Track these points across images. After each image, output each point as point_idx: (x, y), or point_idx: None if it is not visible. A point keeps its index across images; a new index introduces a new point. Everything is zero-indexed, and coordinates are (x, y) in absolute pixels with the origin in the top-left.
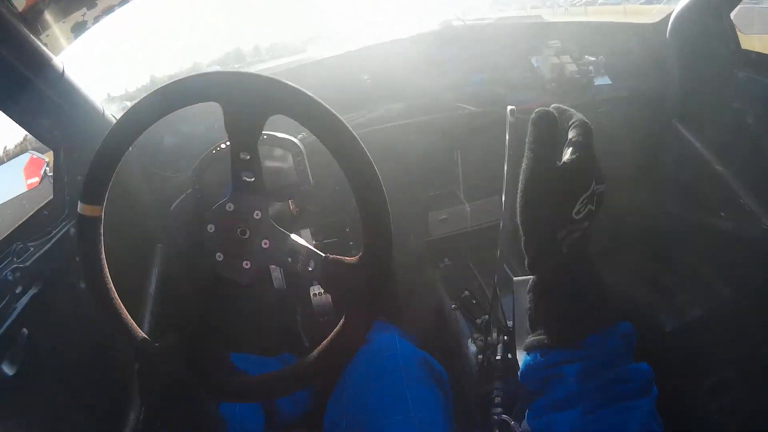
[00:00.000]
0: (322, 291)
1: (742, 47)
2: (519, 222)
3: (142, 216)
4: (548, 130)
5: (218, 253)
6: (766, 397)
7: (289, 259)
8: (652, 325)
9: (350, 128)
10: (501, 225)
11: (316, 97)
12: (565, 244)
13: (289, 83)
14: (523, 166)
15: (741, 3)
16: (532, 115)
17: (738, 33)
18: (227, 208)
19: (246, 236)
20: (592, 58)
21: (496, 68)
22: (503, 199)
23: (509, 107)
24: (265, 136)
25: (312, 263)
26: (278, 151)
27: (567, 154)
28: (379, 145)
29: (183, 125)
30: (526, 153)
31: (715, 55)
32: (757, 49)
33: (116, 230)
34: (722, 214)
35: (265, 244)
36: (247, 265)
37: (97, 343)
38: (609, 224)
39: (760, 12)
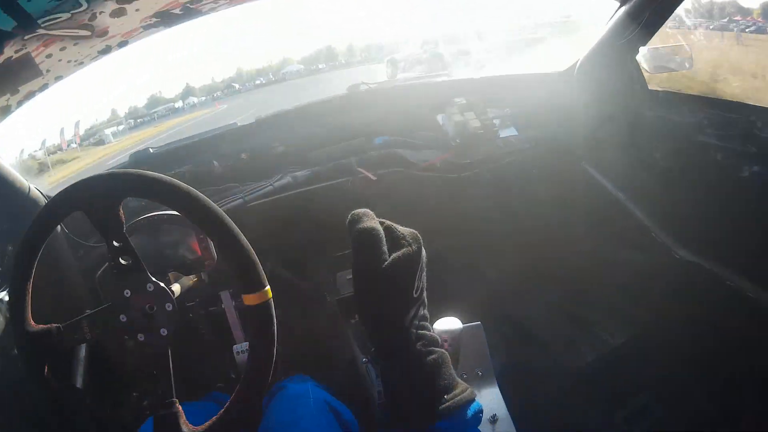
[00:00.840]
0: None
1: (649, 87)
2: (360, 320)
3: (70, 284)
4: (370, 240)
5: (139, 335)
6: (683, 419)
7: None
8: (572, 359)
9: (205, 198)
10: None
11: (162, 177)
12: (414, 327)
13: (138, 171)
14: (353, 271)
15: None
16: (354, 232)
17: (644, 73)
18: (125, 294)
19: (154, 310)
20: (498, 111)
21: (402, 129)
22: None
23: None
24: (166, 217)
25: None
26: (184, 229)
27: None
28: (288, 211)
29: None
30: (354, 262)
31: (622, 96)
32: (663, 86)
33: (46, 297)
34: (635, 247)
35: (169, 307)
36: (164, 332)
37: None
38: (527, 264)
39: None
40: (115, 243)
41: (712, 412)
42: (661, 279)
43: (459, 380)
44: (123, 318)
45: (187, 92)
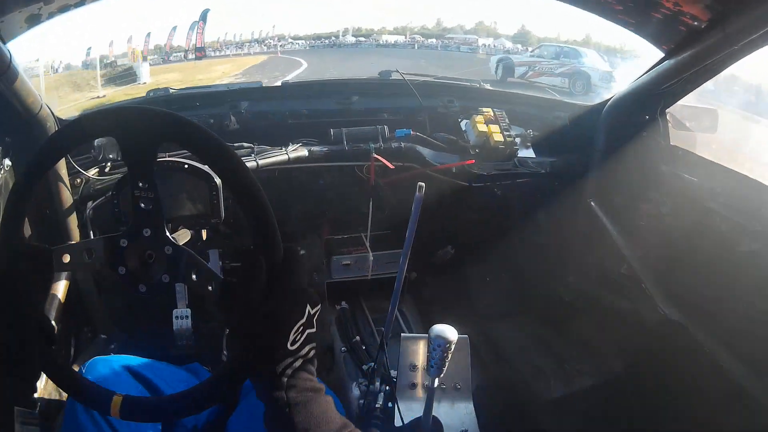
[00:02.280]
0: None
1: (672, 143)
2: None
3: (61, 212)
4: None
5: (140, 285)
6: None
7: (193, 277)
8: (540, 389)
9: (238, 156)
10: (396, 282)
11: (200, 125)
12: (285, 377)
13: (176, 114)
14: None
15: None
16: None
17: (670, 128)
18: (121, 243)
19: (152, 259)
20: (521, 130)
21: (423, 126)
22: (401, 259)
23: (419, 183)
24: (186, 166)
25: (213, 285)
26: (197, 182)
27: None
28: (297, 183)
29: None
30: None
31: (642, 145)
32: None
33: (36, 223)
34: (623, 293)
35: (168, 250)
36: (165, 279)
37: None
38: (513, 287)
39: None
40: (140, 184)
41: None
42: (642, 331)
43: (346, 422)
44: (122, 270)
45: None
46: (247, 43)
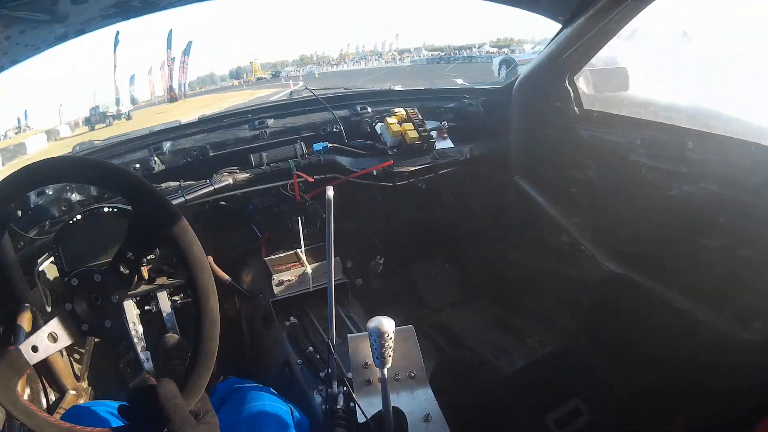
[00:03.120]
0: None
1: (585, 107)
2: None
3: (7, 275)
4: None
5: (83, 324)
6: (611, 423)
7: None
8: (502, 365)
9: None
10: (327, 287)
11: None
12: None
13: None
14: None
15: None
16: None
17: (582, 93)
18: (72, 282)
19: (99, 302)
20: (435, 123)
21: (340, 136)
22: (327, 264)
23: (327, 186)
24: (115, 209)
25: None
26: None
27: None
28: (227, 212)
29: (48, 187)
30: None
31: (557, 114)
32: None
33: None
34: (566, 259)
35: (115, 299)
36: (108, 324)
37: None
38: (459, 274)
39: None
40: (128, 255)
41: (641, 414)
42: (590, 290)
43: None
44: (68, 306)
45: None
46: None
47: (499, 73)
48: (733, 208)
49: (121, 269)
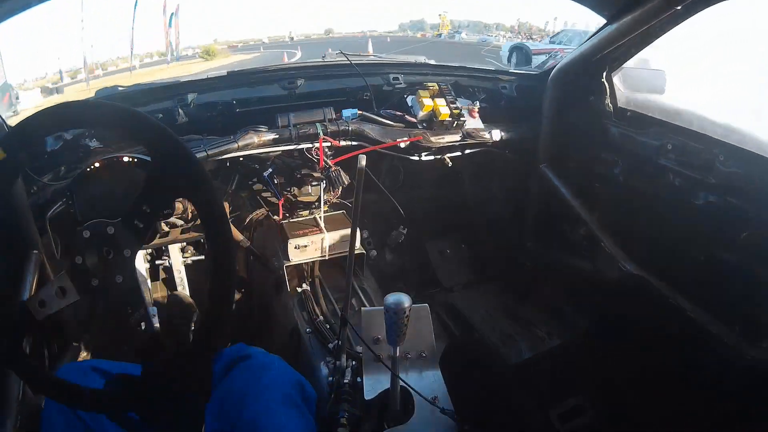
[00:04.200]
0: None
1: (619, 105)
2: None
3: (18, 220)
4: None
5: (93, 279)
6: (613, 423)
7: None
8: (509, 354)
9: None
10: (348, 256)
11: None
12: None
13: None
14: None
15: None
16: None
17: (618, 91)
18: (83, 234)
19: (111, 256)
20: (467, 102)
21: (370, 104)
22: (350, 232)
23: (360, 154)
24: (136, 159)
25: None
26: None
27: None
28: (248, 170)
29: (66, 132)
30: None
31: (591, 108)
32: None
33: None
34: (583, 254)
35: (127, 253)
36: (119, 279)
37: None
38: (473, 259)
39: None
40: (144, 207)
41: (644, 416)
42: (604, 288)
43: None
44: (78, 260)
45: None
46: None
47: (509, 60)
48: (756, 226)
49: (136, 222)
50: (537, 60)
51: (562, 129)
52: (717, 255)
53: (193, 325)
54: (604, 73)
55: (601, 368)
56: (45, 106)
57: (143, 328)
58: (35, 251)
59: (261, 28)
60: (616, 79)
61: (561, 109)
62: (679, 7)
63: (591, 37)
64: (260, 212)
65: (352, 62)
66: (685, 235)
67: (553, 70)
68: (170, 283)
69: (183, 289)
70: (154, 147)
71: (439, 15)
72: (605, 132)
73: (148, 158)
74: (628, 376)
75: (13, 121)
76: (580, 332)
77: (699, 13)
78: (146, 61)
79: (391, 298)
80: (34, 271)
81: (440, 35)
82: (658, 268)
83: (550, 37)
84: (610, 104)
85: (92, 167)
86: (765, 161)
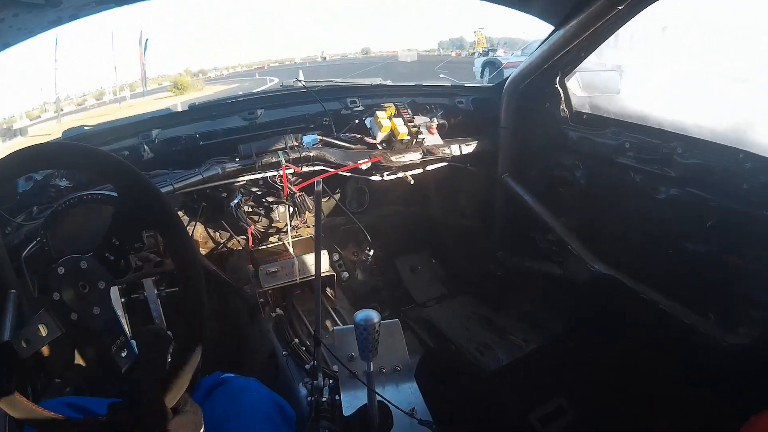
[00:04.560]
0: None
1: (575, 109)
2: None
3: None
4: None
5: (72, 314)
6: (594, 422)
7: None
8: (487, 362)
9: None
10: (315, 280)
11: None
12: None
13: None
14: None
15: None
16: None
17: (571, 95)
18: (59, 271)
19: (86, 290)
20: (425, 119)
21: (330, 129)
22: (315, 255)
23: (316, 179)
24: (99, 196)
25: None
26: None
27: None
28: (215, 202)
29: (37, 173)
30: None
31: (547, 115)
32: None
33: None
34: (552, 259)
35: (102, 285)
36: (96, 311)
37: None
38: (444, 273)
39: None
40: (113, 240)
41: (624, 414)
42: (575, 290)
43: None
44: (56, 296)
45: None
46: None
47: (482, 76)
48: (720, 214)
49: (107, 255)
50: (508, 72)
51: (520, 138)
52: (684, 247)
53: (169, 357)
54: (557, 79)
55: (579, 368)
56: (4, 149)
57: (124, 355)
58: (12, 291)
59: (282, 49)
60: (570, 84)
61: (518, 118)
62: (621, 7)
63: (540, 45)
64: (231, 242)
65: (309, 89)
66: (651, 230)
67: (507, 82)
68: (147, 316)
69: (159, 321)
70: (118, 183)
71: (475, 32)
72: (563, 137)
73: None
74: (606, 373)
75: None
76: (556, 335)
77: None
78: (120, 95)
79: (360, 314)
80: (12, 311)
81: (474, 53)
82: (628, 265)
83: (522, 49)
84: (565, 109)
85: (63, 205)
86: (721, 149)
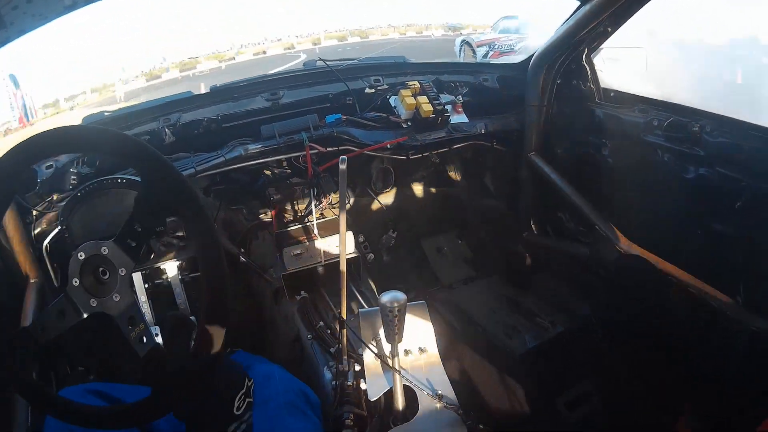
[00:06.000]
0: None
1: (602, 86)
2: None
3: (14, 251)
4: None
5: (91, 299)
6: (620, 407)
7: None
8: (513, 345)
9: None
10: (340, 262)
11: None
12: None
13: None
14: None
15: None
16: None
17: (598, 72)
18: (79, 257)
19: (107, 276)
20: (450, 98)
21: (353, 108)
22: (339, 236)
23: (341, 157)
24: (124, 180)
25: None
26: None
27: None
28: (239, 184)
29: (56, 160)
30: None
31: (574, 92)
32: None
33: None
34: (579, 239)
35: (123, 272)
36: (116, 297)
37: None
38: (471, 253)
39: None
40: (136, 227)
41: (651, 398)
42: (604, 271)
43: None
44: (75, 282)
45: None
46: None
47: (459, 55)
48: (749, 194)
49: (129, 241)
50: (480, 51)
51: (547, 116)
52: (713, 227)
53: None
54: (584, 56)
55: (606, 352)
56: None
57: (144, 342)
58: (34, 279)
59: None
60: (597, 60)
61: (544, 95)
62: None
63: (566, 21)
64: (255, 225)
65: (332, 68)
66: (680, 211)
67: (533, 58)
68: (171, 302)
69: (183, 306)
70: (140, 167)
71: None
72: (591, 114)
73: (137, 179)
74: (632, 357)
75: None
76: (583, 318)
77: None
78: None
79: (386, 296)
80: (35, 300)
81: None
82: (655, 246)
83: (492, 26)
84: (592, 86)
85: (83, 192)
86: (750, 127)
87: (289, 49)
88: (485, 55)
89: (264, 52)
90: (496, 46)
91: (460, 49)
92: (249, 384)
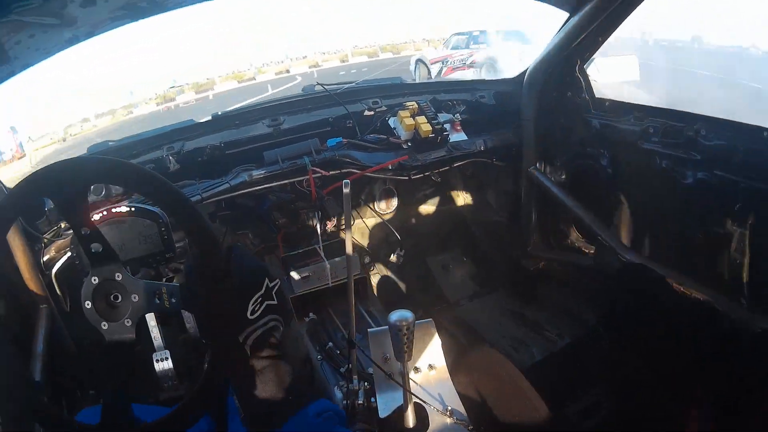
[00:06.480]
0: None
1: (596, 96)
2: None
3: (24, 278)
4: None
5: (102, 323)
6: (631, 416)
7: (156, 300)
8: (522, 358)
9: (161, 178)
10: (347, 283)
11: (118, 161)
12: (247, 346)
13: (97, 156)
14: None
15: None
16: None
17: (592, 82)
18: (92, 281)
19: (119, 300)
20: (448, 116)
21: (353, 131)
22: (346, 257)
23: (344, 180)
24: (133, 209)
25: (173, 297)
26: (146, 222)
27: None
28: (245, 209)
29: None
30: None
31: (569, 104)
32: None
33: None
34: (582, 250)
35: (135, 298)
36: (128, 323)
37: None
38: (476, 270)
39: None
40: (83, 231)
41: (662, 406)
42: (607, 281)
43: (305, 389)
44: (87, 305)
45: None
46: None
47: (414, 74)
48: (748, 196)
49: (143, 268)
50: (434, 68)
51: (544, 129)
52: (714, 231)
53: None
54: (576, 67)
55: (614, 361)
56: None
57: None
58: (44, 305)
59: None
60: (590, 71)
61: (540, 109)
62: None
63: (557, 33)
64: (261, 248)
65: (331, 92)
66: (680, 216)
67: (527, 73)
68: (180, 324)
69: (193, 330)
70: (158, 199)
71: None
72: (587, 125)
73: (149, 206)
74: (640, 366)
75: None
76: (589, 328)
77: None
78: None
79: (395, 315)
80: (45, 326)
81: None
82: (658, 253)
83: (443, 43)
84: (587, 97)
85: (93, 219)
86: (745, 128)
87: (281, 73)
88: (439, 72)
89: (254, 78)
90: (449, 62)
91: (416, 67)
92: (270, 285)
